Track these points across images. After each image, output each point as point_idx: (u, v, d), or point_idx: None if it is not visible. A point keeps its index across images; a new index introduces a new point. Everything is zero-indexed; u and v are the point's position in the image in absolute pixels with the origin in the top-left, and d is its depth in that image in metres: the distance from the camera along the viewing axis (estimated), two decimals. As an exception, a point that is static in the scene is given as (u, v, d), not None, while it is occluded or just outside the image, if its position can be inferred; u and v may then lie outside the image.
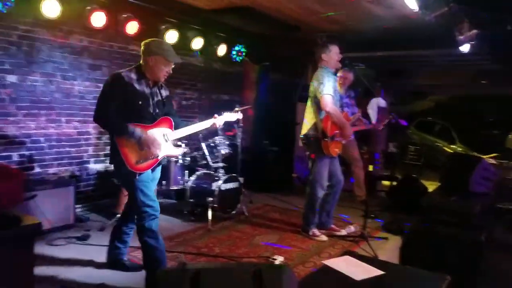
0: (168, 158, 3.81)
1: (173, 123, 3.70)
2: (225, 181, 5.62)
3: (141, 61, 3.53)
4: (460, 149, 12.85)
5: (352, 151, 6.76)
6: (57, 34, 5.45)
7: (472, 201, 4.08)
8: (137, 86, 3.43)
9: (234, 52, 7.58)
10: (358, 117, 6.05)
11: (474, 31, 5.37)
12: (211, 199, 5.45)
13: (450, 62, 7.88)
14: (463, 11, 5.03)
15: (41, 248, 4.38)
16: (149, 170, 3.49)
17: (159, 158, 3.53)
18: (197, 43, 6.70)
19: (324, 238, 5.17)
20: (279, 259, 4.38)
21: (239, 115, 4.39)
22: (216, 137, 5.94)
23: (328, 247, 4.94)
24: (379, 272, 2.35)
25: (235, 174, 5.92)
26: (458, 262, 3.40)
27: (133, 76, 3.44)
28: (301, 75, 8.65)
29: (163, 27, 6.19)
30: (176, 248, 4.65)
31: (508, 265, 4.33)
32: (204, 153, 5.94)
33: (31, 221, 2.96)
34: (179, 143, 5.18)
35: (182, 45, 6.46)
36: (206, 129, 4.06)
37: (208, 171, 5.94)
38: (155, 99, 3.58)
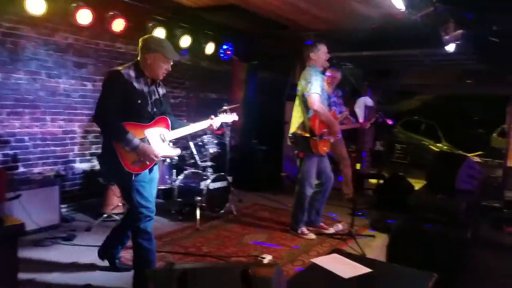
0: (164, 158, 3.75)
1: (170, 123, 3.63)
2: (214, 180, 5.61)
3: (138, 58, 3.44)
4: (446, 147, 12.97)
5: (340, 150, 6.80)
6: (42, 32, 5.37)
7: (458, 199, 4.12)
8: (136, 84, 3.34)
9: (222, 51, 7.55)
10: (345, 115, 6.08)
11: (460, 31, 5.42)
12: (199, 198, 5.43)
13: (436, 61, 7.92)
14: (448, 11, 5.07)
15: (25, 249, 4.32)
16: (147, 171, 3.45)
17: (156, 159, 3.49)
18: (185, 41, 6.65)
19: (312, 236, 5.18)
20: (267, 258, 4.38)
21: (235, 117, 4.34)
22: (205, 136, 5.92)
23: (316, 245, 4.95)
24: (366, 270, 2.36)
25: (223, 173, 5.90)
26: (445, 259, 3.42)
27: (132, 74, 3.34)
28: (290, 74, 8.66)
29: (150, 24, 6.13)
30: (164, 247, 4.62)
31: (493, 262, 4.38)
32: (192, 152, 5.92)
33: (14, 222, 2.92)
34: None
35: (170, 43, 6.41)
36: (202, 130, 4.04)
37: (196, 170, 5.92)
38: (153, 97, 3.51)
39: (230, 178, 6.07)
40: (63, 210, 5.47)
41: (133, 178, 3.32)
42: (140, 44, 3.45)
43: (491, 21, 5.27)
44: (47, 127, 5.58)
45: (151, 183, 3.58)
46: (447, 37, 5.42)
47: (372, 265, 2.42)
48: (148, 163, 3.37)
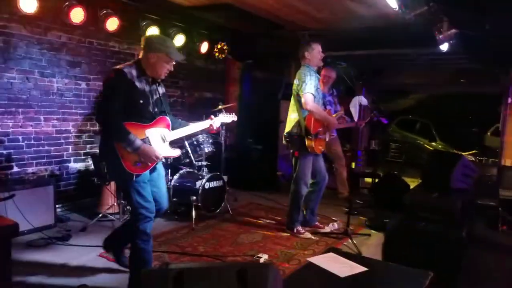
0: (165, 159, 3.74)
1: (170, 123, 3.61)
2: (209, 180, 5.59)
3: (140, 56, 3.41)
4: (441, 146, 13.02)
5: (335, 149, 6.81)
6: (35, 30, 5.34)
7: (453, 197, 4.13)
8: (137, 83, 3.31)
9: (216, 50, 7.53)
10: (341, 115, 6.07)
11: (453, 30, 5.43)
12: (195, 197, 5.42)
13: (430, 61, 7.95)
14: (442, 10, 5.08)
15: (20, 250, 4.30)
16: (147, 171, 3.42)
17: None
18: (179, 40, 6.63)
19: (308, 235, 5.17)
20: (263, 257, 4.37)
21: (234, 117, 4.32)
22: (200, 135, 5.90)
23: (312, 244, 4.95)
24: (362, 269, 2.35)
25: (219, 173, 5.89)
26: (440, 258, 3.43)
27: (134, 73, 3.30)
28: (284, 73, 8.66)
29: (144, 23, 6.11)
30: (160, 247, 4.60)
31: (489, 261, 4.39)
32: (187, 152, 5.90)
33: (7, 223, 2.89)
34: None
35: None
36: (202, 130, 4.04)
37: (191, 170, 5.90)
38: (154, 97, 3.48)
39: (225, 178, 6.06)
40: (58, 210, 5.44)
41: (134, 179, 3.30)
42: (143, 42, 3.41)
43: (485, 20, 5.28)
44: (41, 126, 5.55)
45: (158, 181, 3.60)
46: (440, 36, 5.43)
47: (368, 264, 2.42)
48: (149, 164, 3.36)
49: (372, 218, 5.90)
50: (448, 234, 3.60)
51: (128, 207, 5.40)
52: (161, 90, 3.60)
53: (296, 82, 5.00)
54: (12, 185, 4.77)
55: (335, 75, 6.41)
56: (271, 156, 8.41)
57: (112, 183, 5.52)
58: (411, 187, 6.46)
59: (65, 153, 5.88)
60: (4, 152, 5.17)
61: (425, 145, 13.17)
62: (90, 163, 6.08)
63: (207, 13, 6.43)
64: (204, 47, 7.23)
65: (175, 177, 5.74)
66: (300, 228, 5.24)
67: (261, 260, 4.29)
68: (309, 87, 4.82)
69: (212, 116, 4.03)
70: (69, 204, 5.91)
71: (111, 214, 5.43)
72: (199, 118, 6.49)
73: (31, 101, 5.40)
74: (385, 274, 2.42)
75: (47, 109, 5.59)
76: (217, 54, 7.54)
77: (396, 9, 4.88)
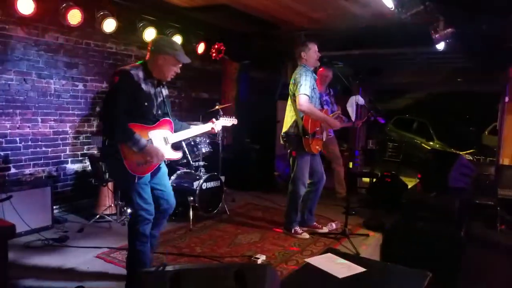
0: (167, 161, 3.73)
1: (173, 125, 3.61)
2: (206, 180, 5.59)
3: (147, 58, 3.41)
4: (438, 146, 13.03)
5: (333, 148, 6.82)
6: (32, 32, 5.33)
7: (451, 197, 4.13)
8: (143, 86, 3.31)
9: (213, 50, 7.53)
10: (338, 114, 6.07)
11: (449, 29, 5.44)
12: (192, 198, 5.41)
13: (427, 60, 7.97)
14: (438, 9, 5.09)
15: (17, 251, 4.29)
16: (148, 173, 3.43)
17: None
18: (176, 40, 6.61)
19: (306, 235, 5.17)
20: (261, 258, 4.36)
21: (234, 121, 4.35)
22: (197, 136, 5.89)
23: (310, 245, 4.95)
24: (360, 269, 2.35)
25: (216, 173, 5.88)
26: (438, 258, 3.43)
27: (141, 75, 3.30)
28: (281, 73, 8.66)
29: (141, 24, 6.12)
30: (157, 248, 4.58)
31: (487, 261, 4.39)
32: (184, 152, 5.89)
33: (4, 224, 2.88)
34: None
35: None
36: (203, 133, 4.07)
37: (188, 170, 5.90)
38: (159, 99, 3.48)
39: (222, 178, 6.05)
40: (55, 211, 5.43)
41: (136, 181, 3.30)
42: (151, 44, 3.41)
43: (481, 19, 5.29)
44: (38, 127, 5.54)
45: (163, 179, 3.62)
46: (437, 35, 5.44)
47: (366, 264, 2.41)
48: (153, 163, 3.36)
49: (370, 218, 5.89)
50: (446, 234, 3.60)
51: (125, 208, 5.41)
52: (165, 92, 3.60)
53: (292, 82, 5.01)
54: (10, 186, 4.78)
55: (332, 75, 6.41)
56: (268, 156, 8.41)
57: (109, 184, 5.52)
58: (409, 186, 6.47)
59: (62, 154, 5.87)
60: (2, 153, 5.16)
61: (423, 145, 13.19)
62: (87, 164, 6.07)
63: (204, 14, 6.43)
64: (201, 48, 7.24)
65: (173, 177, 5.73)
66: (298, 229, 5.23)
67: (259, 261, 4.28)
68: (303, 88, 4.82)
69: (214, 120, 4.04)
70: (66, 205, 5.90)
71: (108, 215, 5.43)
72: (196, 119, 6.56)
73: (28, 103, 5.39)
74: (383, 275, 2.42)
75: (45, 110, 5.58)
76: (214, 54, 7.53)
77: (392, 9, 4.89)
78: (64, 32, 5.65)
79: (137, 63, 3.42)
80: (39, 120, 5.54)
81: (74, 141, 6.00)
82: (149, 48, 3.40)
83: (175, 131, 3.63)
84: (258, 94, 8.57)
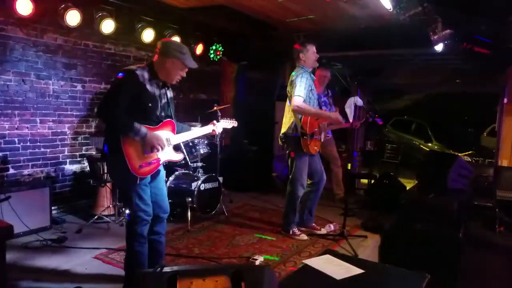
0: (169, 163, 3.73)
1: (175, 127, 3.61)
2: (204, 181, 5.58)
3: (154, 60, 3.41)
4: (437, 147, 13.04)
5: (331, 149, 6.82)
6: (31, 33, 5.33)
7: (449, 198, 4.13)
8: (149, 87, 3.31)
9: (211, 51, 7.53)
10: (336, 115, 6.08)
11: (448, 30, 5.44)
12: (190, 199, 5.41)
13: (426, 61, 7.97)
14: (436, 11, 5.10)
15: (15, 252, 4.29)
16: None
17: (160, 162, 3.47)
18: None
19: (304, 237, 5.17)
20: (259, 259, 4.36)
21: (235, 123, 4.35)
22: (195, 137, 5.90)
23: (308, 246, 4.95)
24: (359, 271, 2.34)
25: (214, 174, 5.88)
26: (437, 259, 3.43)
27: (146, 76, 3.31)
28: (279, 74, 8.66)
29: (139, 25, 6.12)
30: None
31: (486, 262, 4.40)
32: (182, 153, 5.89)
33: (2, 225, 2.87)
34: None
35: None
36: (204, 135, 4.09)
37: (187, 171, 5.89)
38: (163, 101, 3.49)
39: (220, 179, 6.05)
40: (54, 212, 5.43)
41: (137, 182, 3.30)
42: (159, 46, 3.41)
43: (479, 21, 5.30)
44: (37, 128, 5.54)
45: (160, 183, 3.61)
46: (435, 37, 5.45)
47: (365, 266, 2.41)
48: (155, 161, 3.37)
49: (368, 220, 5.89)
50: (445, 235, 3.60)
51: (123, 209, 5.41)
52: (169, 94, 3.61)
53: (289, 83, 5.02)
54: (8, 187, 4.79)
55: (330, 76, 6.42)
56: (266, 157, 8.42)
57: (108, 185, 5.52)
58: (407, 188, 6.47)
59: (60, 155, 5.86)
60: (0, 154, 5.15)
61: (421, 146, 13.20)
62: (85, 165, 6.07)
63: (202, 15, 6.43)
64: (199, 49, 7.24)
65: (171, 178, 5.73)
66: (296, 230, 5.23)
67: (257, 262, 4.28)
68: (298, 90, 4.83)
69: (215, 121, 4.05)
70: (65, 206, 5.90)
71: (106, 216, 5.43)
72: (195, 120, 6.55)
73: (27, 103, 5.38)
74: (381, 276, 2.41)
75: (43, 111, 5.58)
76: (212, 55, 7.54)
77: (391, 10, 4.89)
78: (62, 33, 5.65)
79: (143, 64, 3.42)
80: (38, 121, 5.53)
81: (73, 142, 6.00)
82: (157, 50, 3.40)
83: (176, 133, 3.63)
84: (257, 95, 8.58)
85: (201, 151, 5.92)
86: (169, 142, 3.53)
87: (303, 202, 5.33)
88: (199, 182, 5.49)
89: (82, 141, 6.10)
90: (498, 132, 7.64)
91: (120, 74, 3.29)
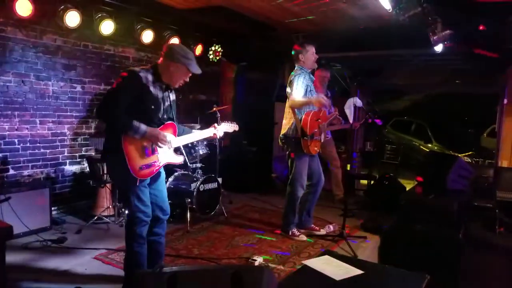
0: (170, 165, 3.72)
1: (177, 130, 3.60)
2: (204, 182, 5.58)
3: (158, 62, 3.41)
4: (437, 148, 13.03)
5: (330, 150, 6.81)
6: (30, 34, 5.34)
7: (449, 199, 4.12)
8: (152, 89, 3.31)
9: (211, 52, 7.54)
10: (335, 115, 6.07)
11: (447, 31, 5.44)
12: (190, 200, 5.40)
13: (425, 61, 7.97)
14: (436, 11, 5.09)
15: (15, 252, 4.29)
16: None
17: (160, 164, 3.46)
18: (173, 43, 6.63)
19: (303, 238, 5.17)
20: (258, 260, 4.36)
21: (236, 127, 4.34)
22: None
23: (307, 247, 4.94)
24: (358, 272, 2.34)
25: (213, 175, 5.87)
26: (437, 260, 3.43)
27: (150, 78, 3.31)
28: (279, 75, 8.66)
29: (138, 27, 6.12)
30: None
31: (486, 263, 4.40)
32: (182, 154, 5.89)
33: (1, 225, 2.87)
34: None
35: (158, 45, 6.39)
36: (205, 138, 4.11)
37: (186, 172, 5.89)
38: (166, 103, 3.49)
39: (220, 180, 6.05)
40: (54, 212, 5.43)
41: (137, 184, 3.30)
42: (166, 49, 3.41)
43: (479, 21, 5.30)
44: (37, 129, 5.54)
45: (160, 185, 3.62)
46: (435, 37, 5.44)
47: (364, 267, 2.41)
48: (155, 163, 3.37)
49: (367, 220, 5.89)
50: (445, 236, 3.60)
51: (123, 210, 5.41)
52: (172, 96, 3.61)
53: (288, 84, 5.03)
54: (8, 187, 4.80)
55: (330, 76, 6.42)
56: (265, 158, 8.42)
57: (108, 186, 5.52)
58: (407, 189, 6.46)
59: (60, 155, 5.87)
60: (0, 155, 5.16)
61: (421, 147, 13.18)
62: (85, 165, 6.07)
63: (201, 16, 6.43)
64: (198, 50, 7.24)
65: (170, 179, 5.73)
66: (295, 231, 5.23)
67: (256, 263, 4.28)
68: (295, 93, 4.87)
69: (216, 125, 4.04)
70: (65, 206, 5.90)
71: (106, 216, 5.43)
72: (194, 121, 6.55)
73: (26, 104, 5.39)
74: (381, 277, 2.41)
75: (43, 112, 5.59)
76: (211, 56, 7.54)
77: (390, 11, 4.89)
78: (62, 34, 5.66)
79: (147, 66, 3.43)
80: (38, 121, 5.54)
81: (72, 142, 6.00)
82: (162, 53, 3.41)
83: (178, 136, 3.63)
84: (256, 96, 8.58)
85: (200, 152, 5.92)
86: (170, 145, 3.52)
87: (301, 204, 5.33)
88: (199, 183, 5.48)
89: (82, 142, 6.11)
90: (498, 132, 7.63)
91: (123, 74, 3.29)
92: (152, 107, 3.34)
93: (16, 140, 5.32)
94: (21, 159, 5.39)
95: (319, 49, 5.15)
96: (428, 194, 4.28)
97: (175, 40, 6.59)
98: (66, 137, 5.91)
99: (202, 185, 5.53)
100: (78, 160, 6.09)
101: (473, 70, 8.25)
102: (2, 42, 5.06)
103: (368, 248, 4.93)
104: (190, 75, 3.49)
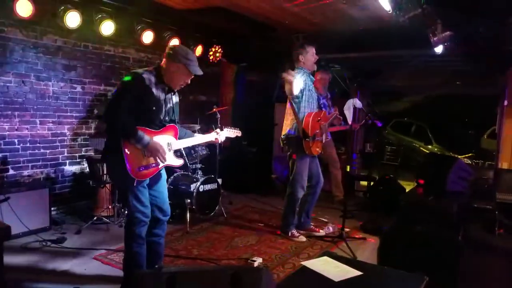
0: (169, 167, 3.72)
1: (178, 132, 3.61)
2: (203, 183, 5.58)
3: (161, 64, 3.42)
4: (437, 149, 13.03)
5: (330, 151, 6.81)
6: (30, 34, 5.34)
7: (449, 200, 4.13)
8: (154, 90, 3.32)
9: (211, 53, 7.54)
10: (335, 115, 6.08)
11: (447, 32, 5.44)
12: (189, 200, 5.41)
13: (425, 63, 7.97)
14: (436, 12, 5.09)
15: (14, 253, 4.29)
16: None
17: (159, 167, 3.46)
18: (173, 43, 6.61)
19: (303, 238, 5.17)
20: (258, 261, 4.35)
21: (239, 133, 4.33)
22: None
23: (307, 248, 4.94)
24: (357, 273, 2.34)
25: (213, 175, 5.87)
26: (436, 262, 3.42)
27: (153, 79, 3.31)
28: (279, 76, 8.64)
29: (139, 27, 6.12)
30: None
31: (485, 265, 4.39)
32: (182, 154, 5.89)
33: (0, 226, 2.87)
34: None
35: (158, 46, 6.40)
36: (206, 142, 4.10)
37: (186, 173, 5.89)
38: (168, 105, 3.50)
39: (220, 180, 6.05)
40: (53, 212, 5.43)
41: (134, 184, 3.30)
42: (168, 51, 3.41)
43: (479, 22, 5.29)
44: (37, 129, 5.54)
45: (161, 186, 3.62)
46: (435, 38, 5.44)
47: (363, 268, 2.41)
48: (153, 165, 3.37)
49: (367, 222, 5.89)
50: (444, 237, 3.59)
51: (123, 210, 5.41)
52: (175, 99, 3.62)
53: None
54: (8, 187, 4.81)
55: (330, 77, 6.42)
56: (265, 158, 8.42)
57: (107, 186, 5.52)
58: (407, 190, 6.46)
59: (60, 156, 5.87)
60: (0, 155, 5.16)
61: (421, 148, 13.18)
62: (85, 166, 6.07)
63: (201, 17, 6.43)
64: (198, 50, 7.23)
65: (170, 179, 5.73)
66: (295, 232, 5.23)
67: (255, 264, 4.28)
68: (293, 85, 4.84)
69: (218, 130, 4.04)
70: (64, 206, 5.90)
71: (106, 217, 5.43)
72: (194, 121, 6.55)
73: (27, 105, 5.39)
74: (380, 278, 2.41)
75: (43, 112, 5.59)
76: (211, 57, 7.54)
77: (390, 12, 4.89)
78: (62, 34, 5.66)
79: (150, 68, 3.43)
80: (38, 122, 5.54)
81: (72, 143, 6.00)
82: (165, 54, 3.41)
83: (179, 138, 3.63)
84: (256, 96, 8.58)
85: (200, 153, 5.93)
86: (170, 147, 3.53)
87: (300, 205, 5.33)
88: (198, 183, 5.49)
89: (82, 142, 6.11)
90: (499, 134, 7.63)
91: (126, 77, 3.30)
92: (154, 108, 3.34)
93: (16, 140, 5.32)
94: (21, 159, 5.40)
95: (319, 50, 5.15)
96: (428, 195, 4.28)
97: (175, 41, 6.58)
98: (66, 138, 5.91)
99: (202, 185, 5.53)
100: (78, 160, 6.09)
101: (473, 71, 8.24)
102: (3, 43, 5.07)
103: (368, 250, 4.92)
104: (192, 77, 3.47)
